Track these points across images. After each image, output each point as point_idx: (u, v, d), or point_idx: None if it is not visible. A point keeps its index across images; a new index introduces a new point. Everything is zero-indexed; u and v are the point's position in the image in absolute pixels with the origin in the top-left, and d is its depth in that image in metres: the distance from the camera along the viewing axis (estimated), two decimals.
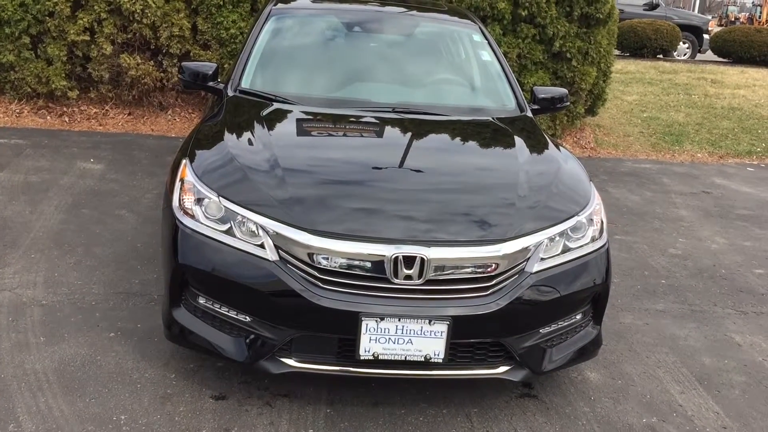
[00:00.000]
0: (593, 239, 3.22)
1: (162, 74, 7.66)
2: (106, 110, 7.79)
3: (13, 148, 6.58)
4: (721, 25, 31.45)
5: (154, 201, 5.48)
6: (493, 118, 4.13)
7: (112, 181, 5.92)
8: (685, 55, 17.97)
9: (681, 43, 17.40)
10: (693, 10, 34.83)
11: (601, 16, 7.93)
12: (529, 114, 4.30)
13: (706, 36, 18.38)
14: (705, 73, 13.43)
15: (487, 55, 4.68)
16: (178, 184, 3.25)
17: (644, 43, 16.35)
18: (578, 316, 3.23)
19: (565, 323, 3.17)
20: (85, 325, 3.71)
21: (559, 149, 3.80)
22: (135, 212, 5.29)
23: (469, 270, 2.93)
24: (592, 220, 3.25)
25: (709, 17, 25.40)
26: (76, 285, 4.12)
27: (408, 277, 2.87)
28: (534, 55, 7.91)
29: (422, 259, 2.86)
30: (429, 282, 2.89)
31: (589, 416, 3.28)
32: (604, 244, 3.27)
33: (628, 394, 3.49)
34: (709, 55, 18.22)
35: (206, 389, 3.25)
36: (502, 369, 3.05)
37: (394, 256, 2.85)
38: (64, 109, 7.68)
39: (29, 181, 5.73)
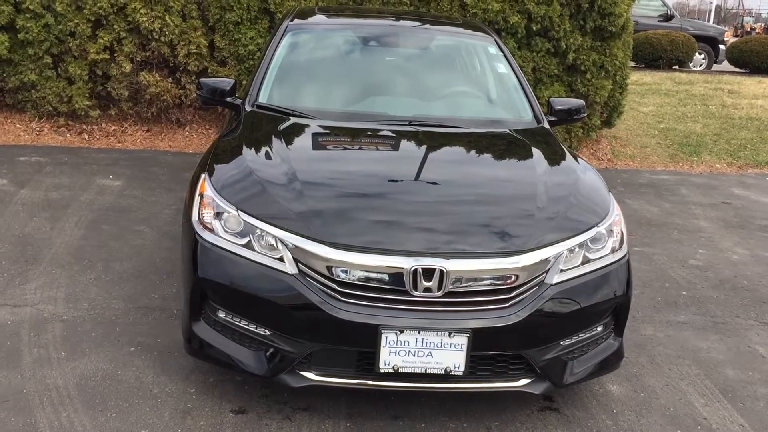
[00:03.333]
0: (613, 250, 3.20)
1: (180, 91, 7.73)
2: (125, 127, 7.86)
3: (34, 165, 6.66)
4: (736, 36, 31.33)
5: (173, 216, 5.52)
6: (510, 130, 4.13)
7: (131, 197, 5.96)
8: (700, 66, 17.90)
9: (697, 53, 17.33)
10: (708, 21, 34.72)
11: (614, 29, 7.93)
12: (546, 125, 4.29)
13: (721, 47, 18.30)
14: (722, 83, 13.36)
15: (503, 68, 4.69)
16: (197, 198, 3.27)
17: (660, 55, 16.30)
18: (599, 328, 3.21)
19: (586, 335, 3.15)
20: (106, 339, 3.73)
21: (577, 160, 3.79)
22: (154, 228, 5.33)
23: (488, 282, 2.92)
24: (612, 230, 3.23)
25: (725, 28, 25.31)
26: (97, 300, 4.15)
27: (427, 290, 2.86)
28: (549, 68, 7.91)
29: (441, 272, 2.85)
30: (448, 294, 2.88)
31: (612, 430, 3.25)
32: (625, 255, 3.25)
33: (651, 407, 3.45)
34: (725, 65, 18.13)
35: (226, 403, 3.25)
36: (523, 382, 3.03)
37: (413, 269, 2.84)
38: (84, 126, 7.77)
39: (49, 198, 5.79)
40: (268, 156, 3.53)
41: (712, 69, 17.85)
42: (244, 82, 7.02)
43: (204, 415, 3.16)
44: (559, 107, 4.44)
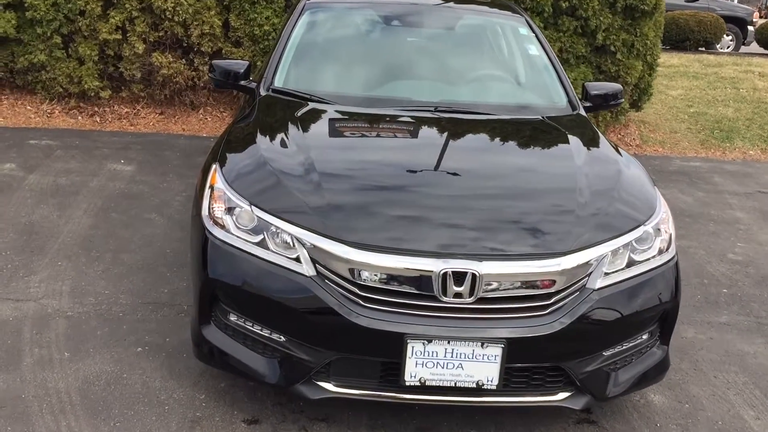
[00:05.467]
0: (660, 252, 2.92)
1: (194, 73, 7.47)
2: (138, 110, 7.63)
3: (44, 149, 6.44)
4: (762, 17, 30.54)
5: (184, 204, 5.28)
6: (543, 117, 3.84)
7: (142, 183, 5.73)
8: (728, 47, 17.39)
9: (725, 35, 16.83)
10: (735, 1, 33.93)
11: (646, 8, 7.56)
12: (582, 112, 4.00)
13: (750, 27, 17.77)
14: (752, 66, 12.90)
15: (534, 49, 4.39)
16: (207, 191, 3.02)
17: (687, 36, 15.84)
18: (644, 336, 2.94)
19: (631, 344, 2.88)
20: (112, 339, 3.51)
21: (619, 152, 3.50)
22: (165, 216, 5.10)
23: (525, 287, 2.66)
24: (659, 230, 2.95)
25: (752, 9, 24.65)
26: (104, 294, 3.93)
27: (458, 295, 2.60)
28: (576, 48, 7.57)
29: (473, 275, 2.59)
30: (481, 300, 2.62)
31: None
32: (673, 257, 2.97)
33: (697, 420, 3.19)
34: (754, 47, 17.60)
35: (238, 412, 3.02)
36: (562, 396, 2.78)
37: (442, 272, 2.58)
38: (96, 108, 7.54)
39: (58, 184, 5.57)
40: (283, 144, 3.28)
41: (740, 51, 17.34)
42: (259, 63, 6.75)
43: (214, 425, 2.94)
44: (595, 92, 4.15)
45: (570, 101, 4.04)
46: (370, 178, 3.10)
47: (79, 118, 7.46)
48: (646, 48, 7.82)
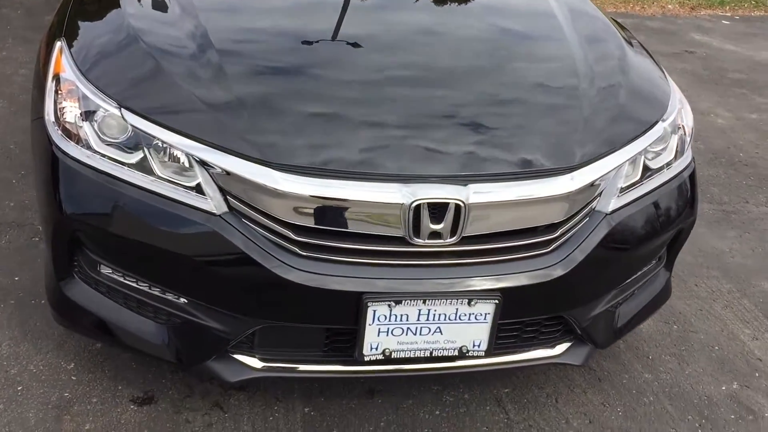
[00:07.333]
0: (677, 155, 2.24)
1: None
2: None
3: None
4: None
5: (30, 79, 4.12)
6: None
7: None
8: None
9: None
10: None
11: None
12: None
13: None
14: None
15: None
16: (51, 83, 2.04)
17: None
18: (653, 262, 2.31)
19: (639, 274, 2.24)
20: None
21: (619, 25, 2.73)
22: (5, 96, 3.97)
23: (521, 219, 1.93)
24: (676, 126, 2.26)
25: None
26: None
27: (435, 235, 1.84)
28: None
29: (457, 206, 1.82)
30: (465, 241, 1.87)
31: (654, 387, 2.46)
32: (691, 161, 2.30)
33: (691, 346, 2.68)
34: None
35: (124, 387, 2.23)
36: (559, 350, 2.14)
37: (414, 204, 1.79)
38: None
39: None
40: (160, 5, 2.30)
41: None
42: None
43: (90, 411, 2.13)
44: None
45: None
46: (298, 58, 2.18)
47: None
48: None
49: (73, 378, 2.24)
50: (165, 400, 2.19)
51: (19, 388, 2.18)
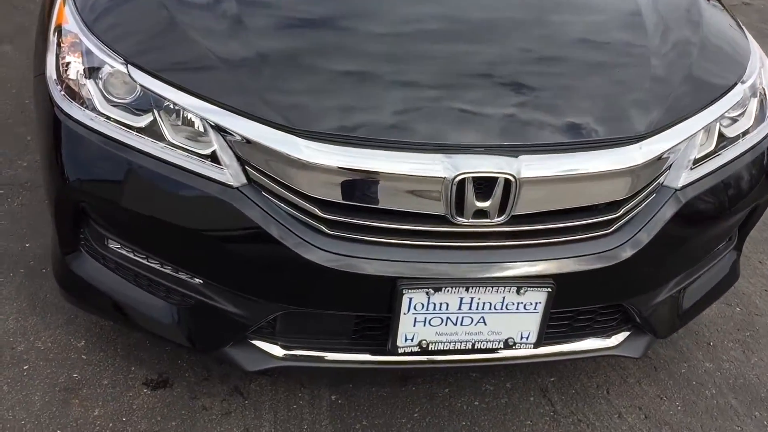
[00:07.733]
0: (757, 121, 1.97)
1: None
2: None
3: None
4: None
5: None
6: None
7: None
8: None
9: None
10: None
11: None
12: None
13: None
14: None
15: None
16: (53, 37, 1.83)
17: None
18: (723, 242, 2.06)
19: (708, 255, 2.00)
20: None
21: None
22: (20, 48, 3.77)
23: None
24: (755, 89, 1.98)
25: None
26: None
27: (481, 213, 1.61)
28: None
29: (507, 181, 1.58)
30: (515, 220, 1.64)
31: (716, 378, 2.24)
32: None
33: (757, 331, 2.44)
34: None
35: (137, 368, 2.06)
36: (616, 340, 1.91)
37: (458, 178, 1.57)
38: None
39: None
40: None
41: None
42: None
43: (100, 395, 1.98)
44: None
45: None
46: (322, 5, 1.93)
47: None
48: None
49: (83, 357, 2.08)
50: (181, 383, 2.03)
51: (26, 368, 2.03)
